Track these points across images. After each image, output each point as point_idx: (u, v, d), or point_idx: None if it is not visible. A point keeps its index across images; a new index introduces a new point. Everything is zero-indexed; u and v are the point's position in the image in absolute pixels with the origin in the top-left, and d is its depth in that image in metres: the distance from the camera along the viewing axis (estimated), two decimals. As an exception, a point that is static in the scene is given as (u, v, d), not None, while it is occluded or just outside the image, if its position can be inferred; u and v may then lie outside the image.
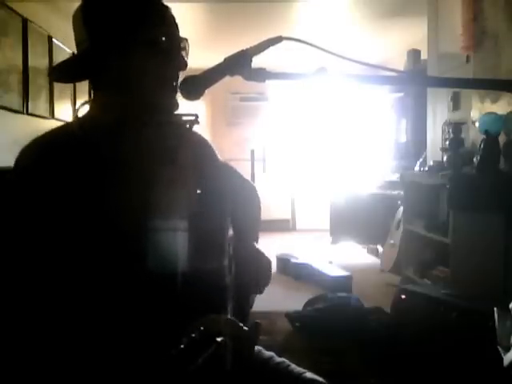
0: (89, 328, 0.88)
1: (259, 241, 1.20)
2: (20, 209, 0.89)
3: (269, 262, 1.13)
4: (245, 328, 0.89)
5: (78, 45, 0.96)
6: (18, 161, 0.93)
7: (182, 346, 0.83)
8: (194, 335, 0.84)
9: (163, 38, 0.93)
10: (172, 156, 1.00)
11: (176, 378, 0.83)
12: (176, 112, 1.01)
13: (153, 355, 0.87)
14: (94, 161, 0.91)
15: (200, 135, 1.16)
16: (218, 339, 0.84)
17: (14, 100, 3.71)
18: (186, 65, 0.97)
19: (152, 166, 0.97)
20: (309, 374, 1.04)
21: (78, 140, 0.93)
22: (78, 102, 4.76)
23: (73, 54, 1.00)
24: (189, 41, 0.99)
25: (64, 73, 1.03)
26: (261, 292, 1.10)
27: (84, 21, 0.93)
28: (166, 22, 0.96)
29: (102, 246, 0.89)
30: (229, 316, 0.94)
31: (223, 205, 1.08)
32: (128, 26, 0.91)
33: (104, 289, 0.89)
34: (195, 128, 1.09)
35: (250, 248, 1.12)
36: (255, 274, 1.07)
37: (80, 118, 0.99)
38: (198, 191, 1.04)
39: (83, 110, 1.01)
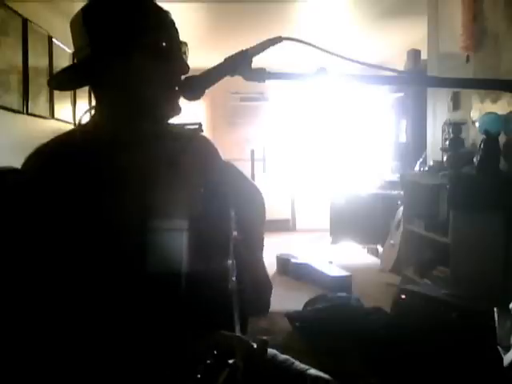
0: (89, 332, 0.88)
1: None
2: (23, 215, 0.89)
3: (270, 288, 1.14)
4: (254, 345, 0.88)
5: (77, 51, 0.96)
6: (23, 169, 0.93)
7: (198, 376, 0.81)
8: (209, 361, 0.82)
9: (164, 43, 0.93)
10: (174, 158, 1.00)
11: None
12: (179, 116, 1.01)
13: (158, 366, 0.86)
14: (97, 168, 0.91)
15: (202, 136, 1.15)
16: (231, 361, 0.83)
17: (14, 100, 3.71)
18: (188, 68, 0.97)
19: (154, 168, 0.97)
20: (313, 371, 1.04)
21: (81, 148, 0.93)
22: (78, 103, 4.77)
23: (73, 59, 0.99)
24: (188, 43, 0.99)
25: (65, 80, 1.02)
26: (258, 316, 1.10)
27: (85, 27, 0.92)
28: (167, 25, 0.96)
29: (104, 250, 0.89)
30: (235, 317, 0.94)
31: (226, 206, 1.08)
32: (129, 31, 0.91)
33: (107, 292, 0.89)
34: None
35: (255, 271, 1.12)
36: (255, 299, 1.08)
37: (83, 125, 0.99)
38: (201, 192, 1.04)
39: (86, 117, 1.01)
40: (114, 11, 0.93)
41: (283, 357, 1.08)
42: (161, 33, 0.94)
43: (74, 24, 0.95)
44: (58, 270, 0.87)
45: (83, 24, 0.93)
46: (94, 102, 1.02)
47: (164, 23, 0.96)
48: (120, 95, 0.95)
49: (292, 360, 1.08)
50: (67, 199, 0.89)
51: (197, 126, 1.07)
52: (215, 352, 0.83)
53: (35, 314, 0.87)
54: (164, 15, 0.96)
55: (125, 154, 0.95)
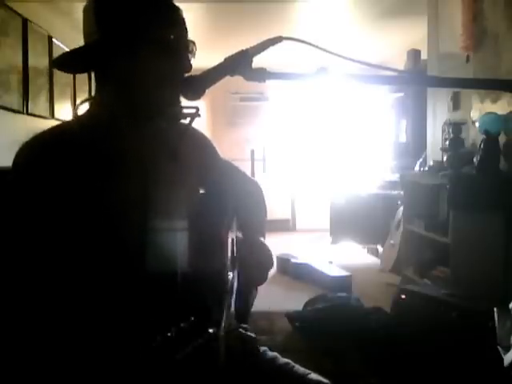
0: (85, 325, 0.88)
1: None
2: (19, 207, 0.89)
3: (270, 254, 1.11)
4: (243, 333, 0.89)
5: (86, 36, 0.96)
6: (16, 158, 0.92)
7: (168, 334, 0.82)
8: (182, 324, 0.84)
9: (172, 39, 0.93)
10: (172, 153, 1.00)
11: (162, 366, 0.83)
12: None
13: (142, 344, 0.86)
14: (93, 158, 0.91)
15: (201, 133, 1.16)
16: (211, 330, 0.83)
17: (14, 100, 3.72)
18: (190, 67, 0.97)
19: (152, 162, 0.97)
20: (314, 375, 1.03)
21: (77, 137, 0.93)
22: (78, 102, 4.77)
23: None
24: (196, 44, 0.99)
25: (69, 62, 1.00)
26: (263, 280, 1.08)
27: (95, 13, 0.92)
28: (177, 22, 0.96)
29: (100, 244, 0.89)
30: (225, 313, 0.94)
31: (224, 203, 1.08)
32: (139, 23, 0.91)
33: (103, 286, 0.89)
34: (196, 126, 1.09)
35: (252, 239, 1.11)
36: (257, 262, 1.06)
37: (80, 116, 0.99)
38: (200, 189, 1.04)
39: (83, 108, 1.01)
40: (126, 1, 0.93)
41: (283, 360, 1.07)
42: (170, 28, 0.94)
43: (86, 9, 0.95)
44: (55, 262, 0.87)
45: (94, 10, 0.93)
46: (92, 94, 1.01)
47: (175, 19, 0.95)
48: (121, 85, 0.95)
49: (292, 364, 1.07)
50: (61, 190, 0.88)
51: (194, 111, 1.05)
52: (192, 318, 0.85)
53: (32, 307, 0.87)
54: (176, 11, 0.96)
55: (121, 144, 0.95)
